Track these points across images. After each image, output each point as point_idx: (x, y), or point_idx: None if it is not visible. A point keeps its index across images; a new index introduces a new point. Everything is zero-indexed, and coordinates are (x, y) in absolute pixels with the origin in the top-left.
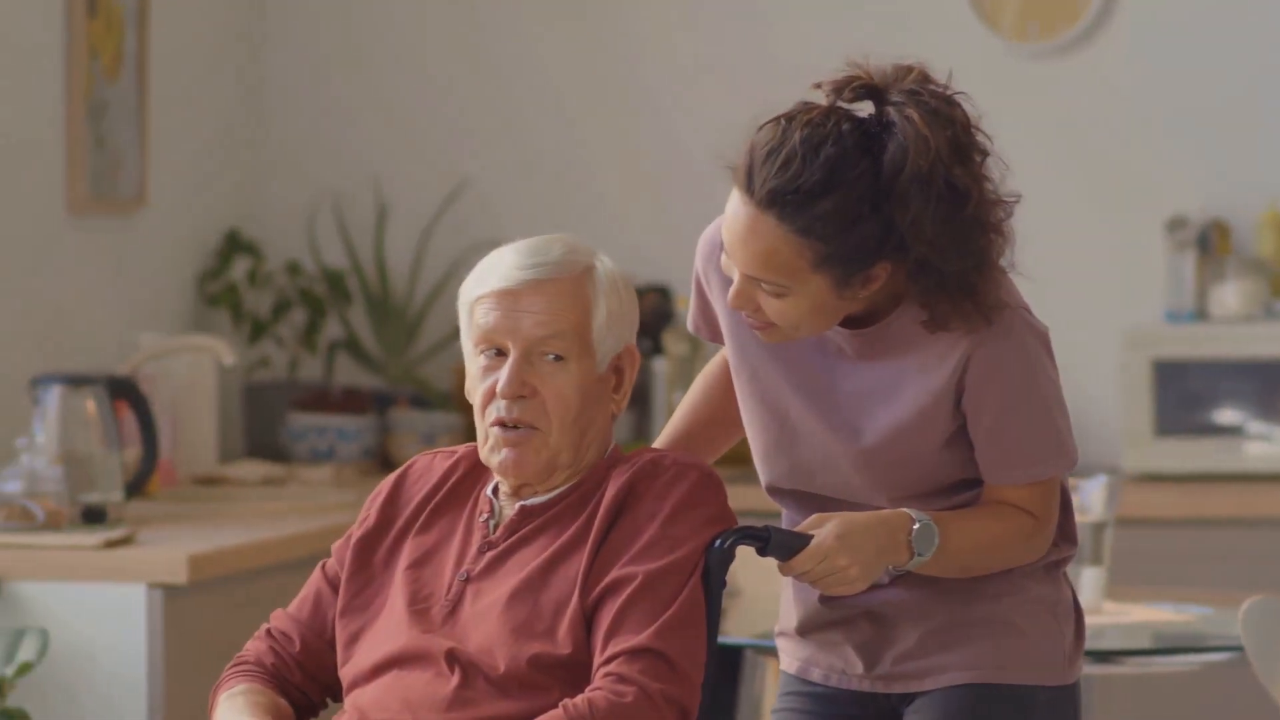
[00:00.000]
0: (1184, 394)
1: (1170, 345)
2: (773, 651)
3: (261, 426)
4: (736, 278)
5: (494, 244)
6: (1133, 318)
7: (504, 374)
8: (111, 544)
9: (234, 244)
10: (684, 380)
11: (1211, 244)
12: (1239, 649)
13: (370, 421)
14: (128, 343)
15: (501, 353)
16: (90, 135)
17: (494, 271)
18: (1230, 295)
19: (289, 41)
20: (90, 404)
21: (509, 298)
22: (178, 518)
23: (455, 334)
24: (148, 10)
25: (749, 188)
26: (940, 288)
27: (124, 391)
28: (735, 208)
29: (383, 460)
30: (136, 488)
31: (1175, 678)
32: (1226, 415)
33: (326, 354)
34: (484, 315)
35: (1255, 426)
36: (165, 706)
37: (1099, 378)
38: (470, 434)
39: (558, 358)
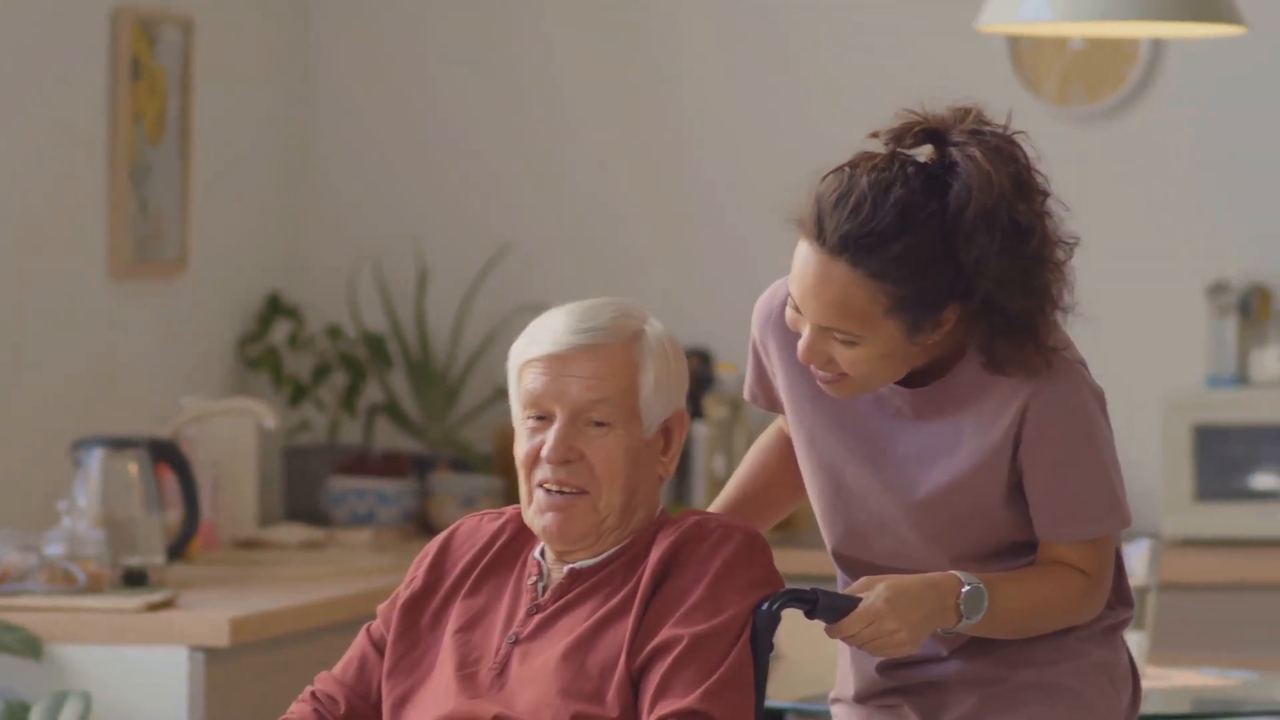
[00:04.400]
0: (1225, 459)
1: (1211, 410)
2: (815, 715)
3: (301, 490)
4: (807, 331)
5: (536, 307)
6: (1174, 382)
7: (550, 439)
8: (153, 607)
9: (275, 307)
10: (724, 445)
11: (1253, 308)
12: None
13: (410, 485)
14: (169, 405)
15: (546, 417)
16: (133, 199)
17: (544, 335)
18: (1272, 360)
19: (332, 104)
20: (132, 467)
21: (557, 363)
22: (219, 581)
23: (495, 397)
24: (191, 73)
25: (819, 236)
26: (1003, 328)
27: (166, 454)
28: (805, 258)
29: (422, 523)
30: (178, 551)
31: None
32: (1268, 480)
33: (367, 417)
34: (532, 379)
35: None
36: None
37: (1140, 442)
38: (511, 497)
39: (602, 424)
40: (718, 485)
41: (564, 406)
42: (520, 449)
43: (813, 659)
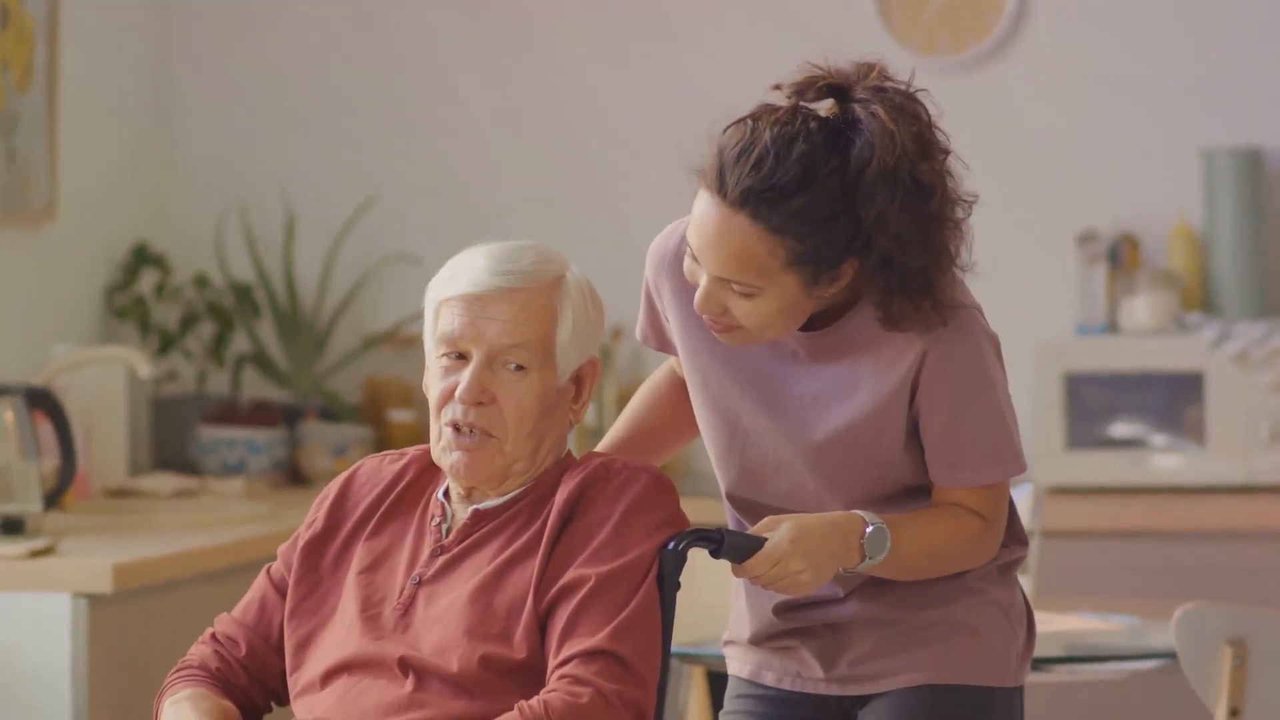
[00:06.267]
0: (1095, 407)
1: (1082, 358)
2: (697, 659)
3: (170, 439)
4: (704, 281)
5: (403, 258)
6: (1045, 331)
7: (464, 380)
8: (35, 554)
9: (142, 256)
10: (595, 394)
11: (1122, 257)
12: (1166, 656)
13: (280, 434)
14: (40, 354)
15: (463, 356)
16: (1, 147)
17: (464, 274)
18: (1141, 308)
19: (198, 54)
20: (9, 415)
21: (476, 303)
22: (96, 529)
23: (364, 347)
24: (58, 22)
25: (720, 188)
26: (901, 285)
27: (42, 402)
28: (705, 210)
29: (293, 473)
30: (54, 499)
31: (1103, 686)
32: (1137, 428)
33: (234, 367)
34: (450, 319)
35: (1165, 439)
36: (90, 715)
37: (1012, 390)
38: (379, 446)
39: (519, 367)
40: (588, 435)
41: (481, 348)
42: (433, 387)
43: (696, 605)
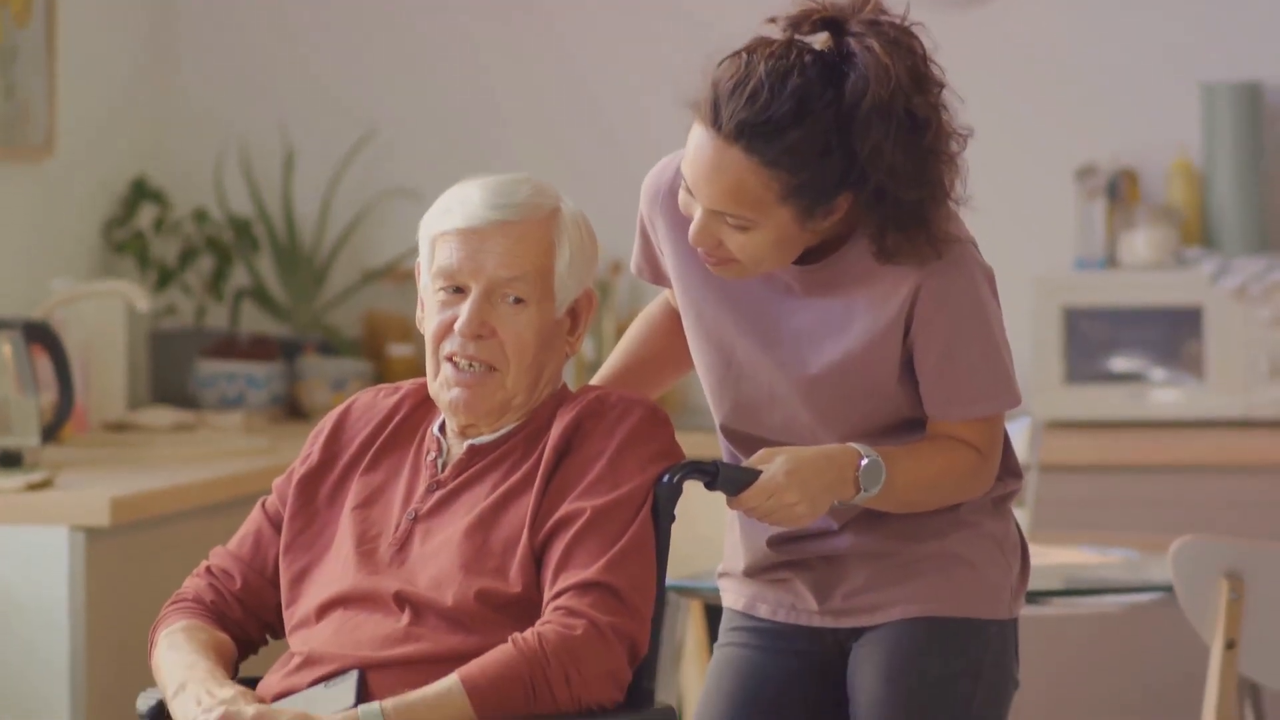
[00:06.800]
0: (1094, 341)
1: (1080, 292)
2: (694, 593)
3: (169, 373)
4: (699, 214)
5: (403, 192)
6: (1043, 265)
7: (464, 313)
8: (32, 487)
9: (141, 191)
10: (592, 328)
11: (1121, 192)
12: (1163, 590)
13: (278, 368)
14: (39, 288)
15: (461, 290)
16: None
17: (460, 208)
18: (1140, 243)
19: None
20: (7, 348)
21: (474, 237)
22: (94, 462)
23: (363, 281)
24: None
25: (715, 122)
26: (895, 218)
27: (40, 336)
28: (700, 143)
29: (292, 407)
30: (51, 433)
31: (1100, 619)
32: (1135, 362)
33: (233, 301)
34: (447, 253)
35: (1163, 374)
36: (87, 648)
37: (1010, 325)
38: (378, 381)
39: (518, 300)
40: (587, 369)
41: (480, 281)
42: (430, 321)
43: (686, 538)
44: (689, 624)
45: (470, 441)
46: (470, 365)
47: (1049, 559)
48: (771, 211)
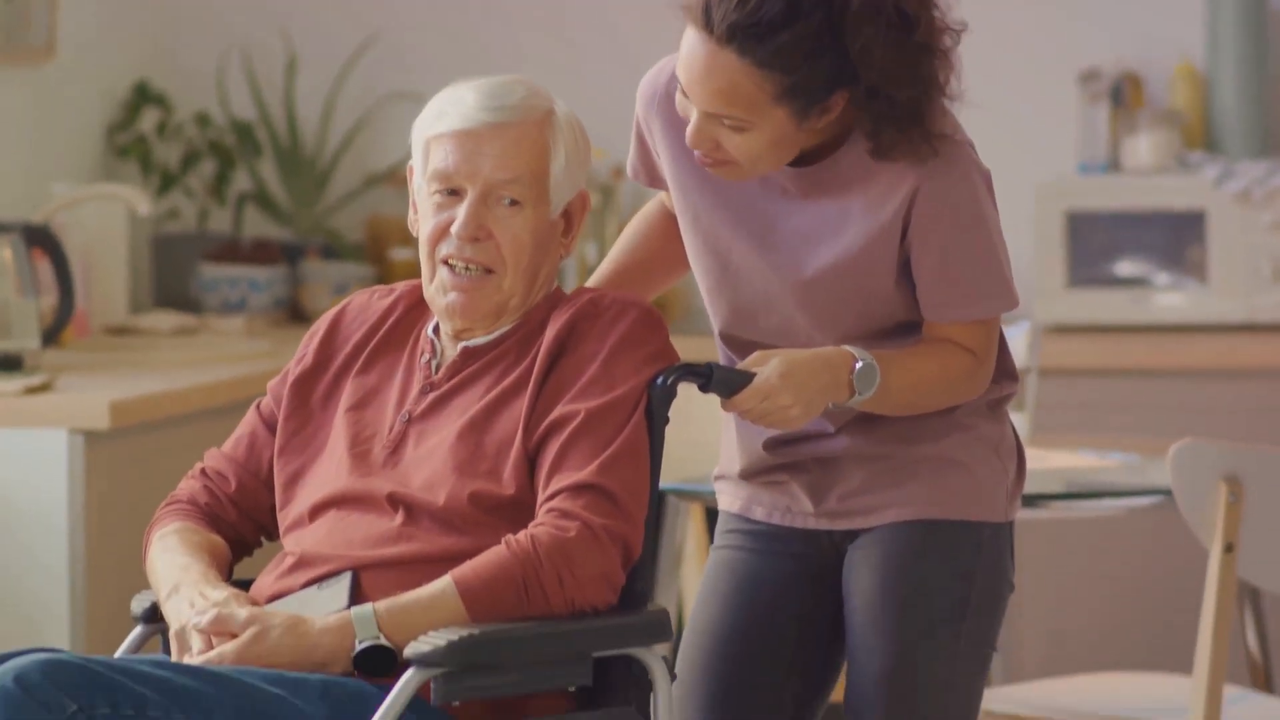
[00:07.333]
0: (1097, 245)
1: (1083, 197)
2: (694, 496)
3: (171, 278)
4: (695, 116)
5: (405, 96)
6: (1046, 170)
7: (460, 215)
8: (31, 390)
9: (143, 95)
10: (596, 231)
11: (1125, 96)
12: (1162, 493)
13: (281, 272)
14: (39, 192)
15: (456, 193)
16: None
17: (454, 110)
18: (1143, 147)
19: None
20: (7, 252)
21: (469, 139)
22: (94, 366)
23: (365, 186)
24: None
25: (707, 24)
26: (890, 116)
27: (40, 240)
28: (692, 46)
29: (294, 311)
30: (51, 336)
31: (1099, 522)
32: (1138, 266)
33: (236, 206)
34: (442, 155)
35: (1166, 278)
36: (86, 551)
37: (1012, 229)
38: (379, 284)
39: (514, 203)
40: (589, 272)
41: (476, 183)
42: (426, 224)
43: (686, 441)
44: (689, 527)
45: (464, 344)
46: (467, 268)
47: (1048, 462)
48: (767, 112)
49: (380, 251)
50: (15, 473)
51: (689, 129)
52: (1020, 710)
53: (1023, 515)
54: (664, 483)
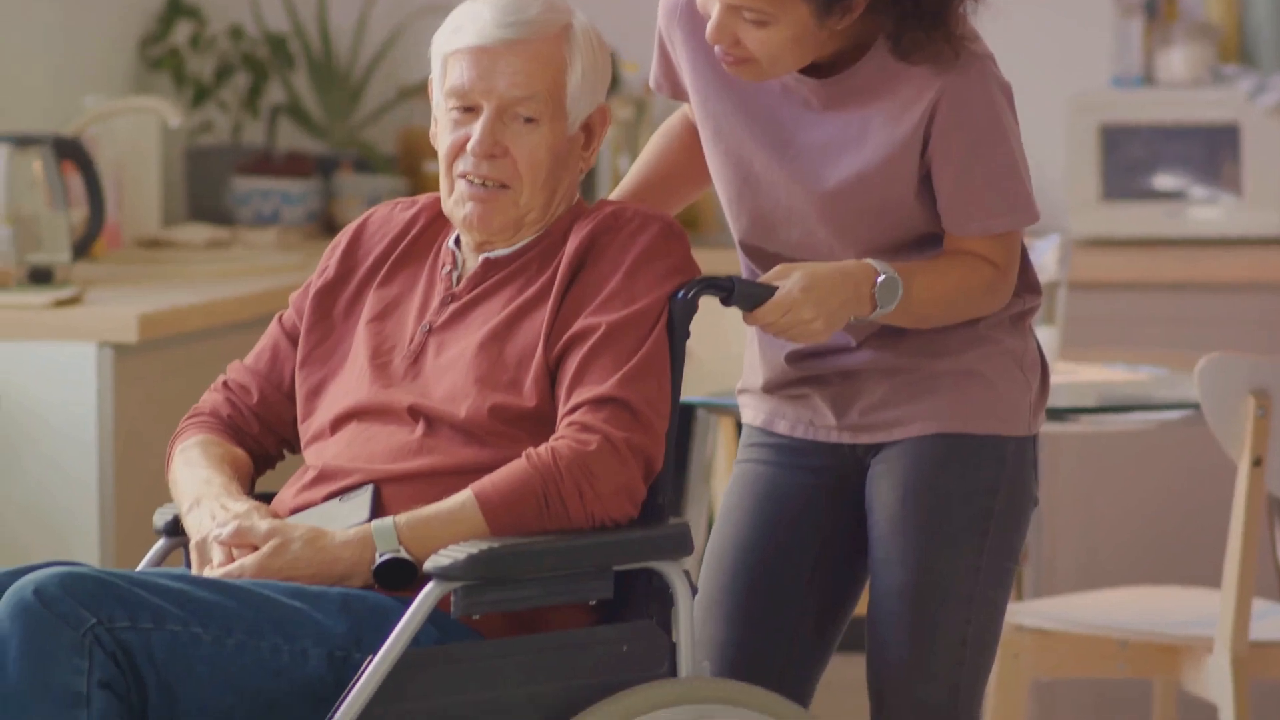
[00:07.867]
0: (1131, 159)
1: (1117, 110)
2: (724, 410)
3: (204, 190)
4: (716, 10)
5: (438, 8)
6: (1080, 83)
7: (476, 132)
8: (61, 303)
9: (176, 8)
10: (629, 145)
11: (1159, 8)
12: (1191, 407)
13: (314, 185)
14: (71, 105)
15: (472, 110)
16: None
17: (470, 26)
18: (1177, 60)
19: None
20: (37, 164)
21: (485, 56)
22: (125, 279)
23: (399, 99)
24: None
25: None
26: (913, 15)
27: (71, 152)
28: None
29: (327, 224)
30: (82, 249)
31: (1128, 436)
32: (1173, 180)
33: (269, 118)
34: (458, 72)
35: (1201, 191)
36: (115, 465)
37: (1046, 143)
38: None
39: (530, 120)
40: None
41: (491, 100)
42: (444, 140)
43: (717, 355)
44: (719, 440)
45: (486, 255)
46: (484, 184)
47: (1078, 376)
48: (788, 6)
49: (414, 164)
50: (45, 385)
51: (710, 23)
52: (1051, 624)
53: (1053, 429)
54: (695, 396)
